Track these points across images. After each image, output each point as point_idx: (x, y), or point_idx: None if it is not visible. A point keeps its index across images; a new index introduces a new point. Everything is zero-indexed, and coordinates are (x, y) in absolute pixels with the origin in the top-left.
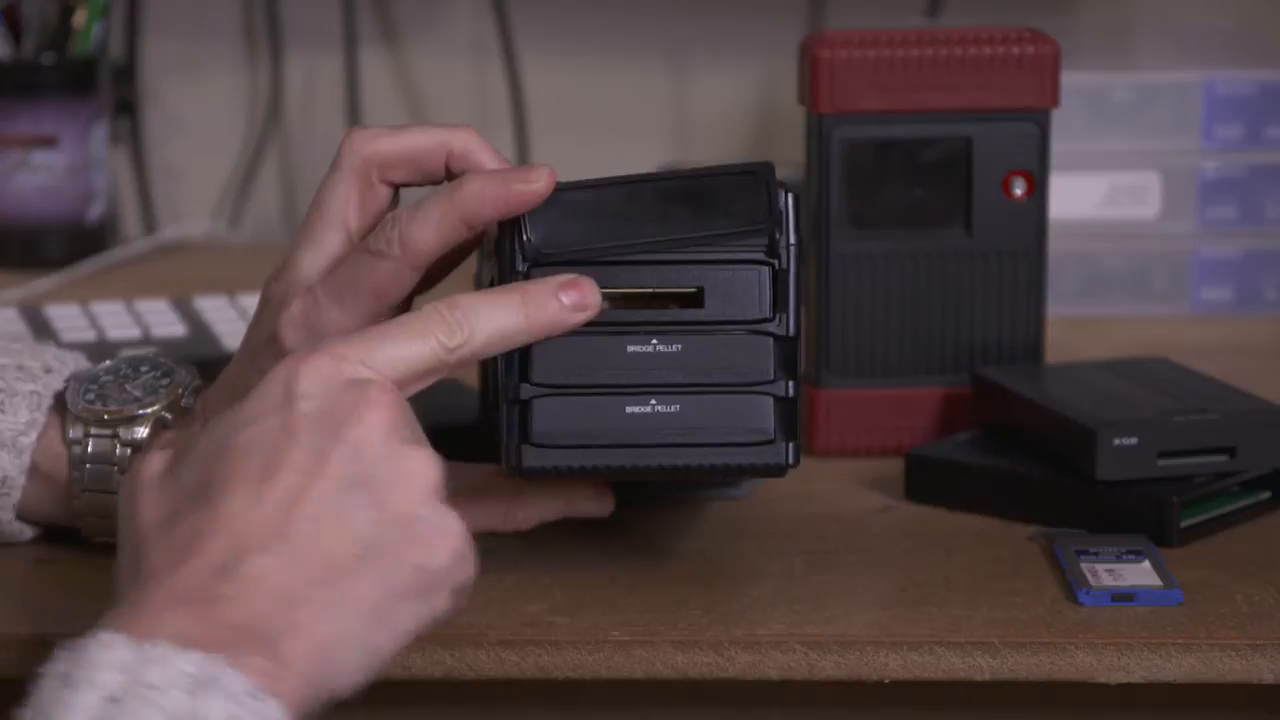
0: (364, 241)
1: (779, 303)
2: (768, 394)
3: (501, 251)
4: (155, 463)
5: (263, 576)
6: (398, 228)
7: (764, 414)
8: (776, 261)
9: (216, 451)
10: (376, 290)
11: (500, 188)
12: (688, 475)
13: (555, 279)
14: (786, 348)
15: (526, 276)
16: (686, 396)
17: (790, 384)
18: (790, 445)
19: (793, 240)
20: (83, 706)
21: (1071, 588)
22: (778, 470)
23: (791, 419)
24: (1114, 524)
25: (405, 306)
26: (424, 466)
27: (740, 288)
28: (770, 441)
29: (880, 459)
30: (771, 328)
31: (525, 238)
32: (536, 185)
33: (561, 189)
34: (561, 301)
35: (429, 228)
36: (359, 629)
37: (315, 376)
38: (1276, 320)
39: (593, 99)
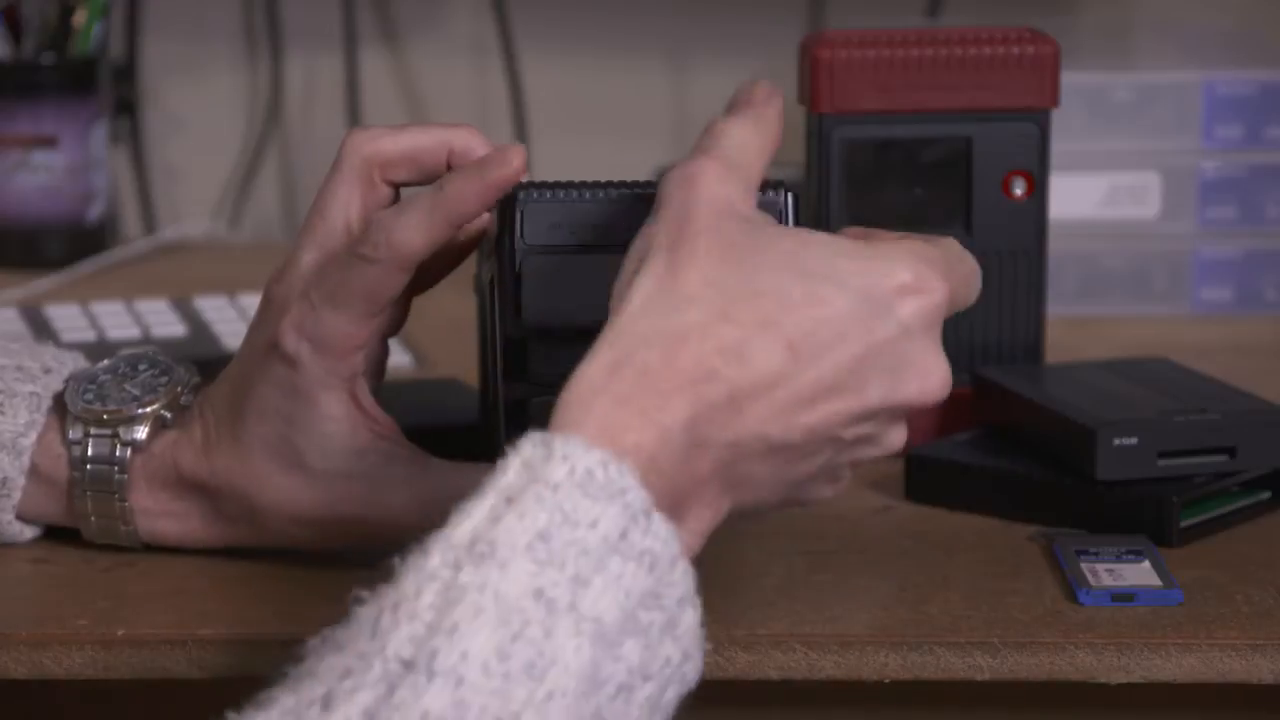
0: (352, 245)
1: None
2: None
3: (501, 247)
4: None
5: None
6: (383, 231)
7: None
8: None
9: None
10: (368, 294)
11: (478, 181)
12: None
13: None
14: None
15: (520, 275)
16: None
17: None
18: None
19: None
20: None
21: (1071, 588)
22: None
23: None
24: (1114, 524)
25: (403, 309)
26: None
27: None
28: None
29: (880, 459)
30: None
31: (519, 233)
32: (510, 168)
33: (552, 187)
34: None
35: (415, 230)
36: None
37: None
38: (1276, 320)
39: (593, 99)
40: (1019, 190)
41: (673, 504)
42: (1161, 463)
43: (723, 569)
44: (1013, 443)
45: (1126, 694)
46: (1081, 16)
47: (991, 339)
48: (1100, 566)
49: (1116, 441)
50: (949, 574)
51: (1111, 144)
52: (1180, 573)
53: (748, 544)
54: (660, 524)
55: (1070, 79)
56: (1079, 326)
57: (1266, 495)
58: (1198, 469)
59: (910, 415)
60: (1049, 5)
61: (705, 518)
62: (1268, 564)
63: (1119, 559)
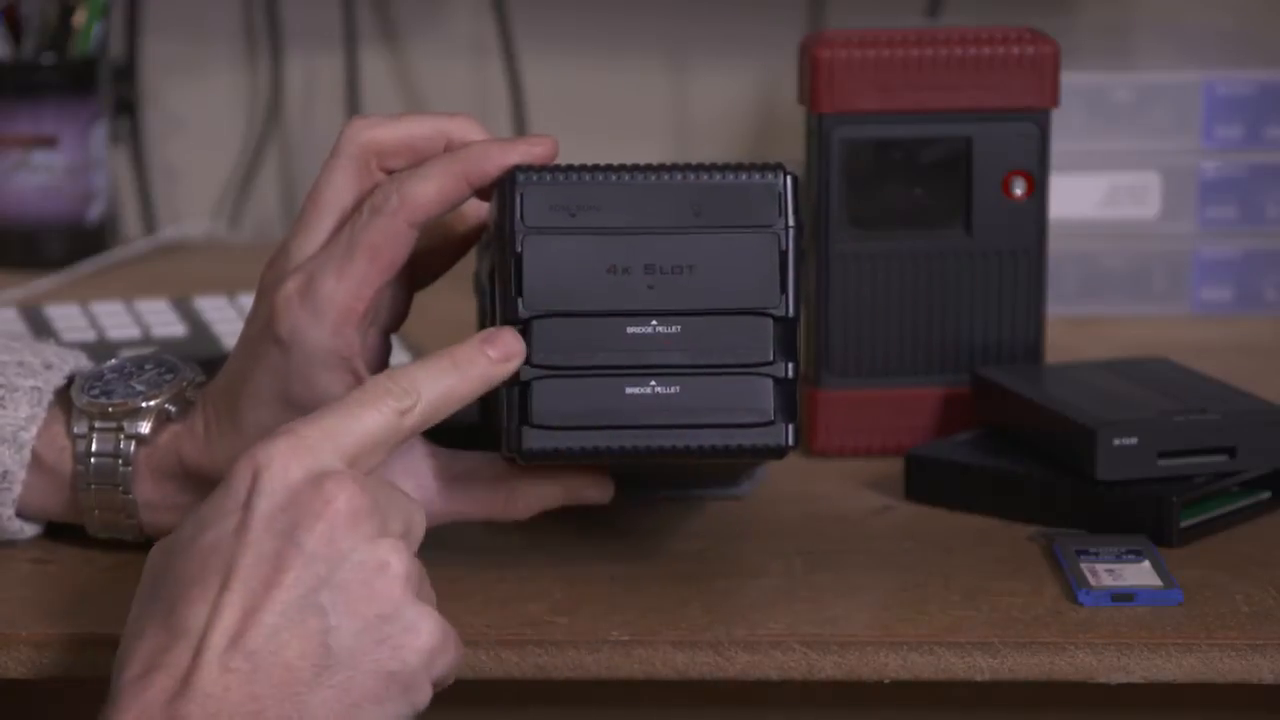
0: (361, 204)
1: (779, 284)
2: (767, 375)
3: (501, 229)
4: (153, 556)
5: (223, 694)
6: (396, 182)
7: (763, 395)
8: (776, 243)
9: (182, 552)
10: (372, 250)
11: (504, 146)
12: (688, 456)
13: (476, 337)
14: (786, 329)
15: (521, 254)
16: (686, 378)
17: (789, 365)
18: (790, 426)
19: (792, 222)
20: None
21: (1071, 588)
22: (777, 451)
23: (791, 401)
24: (1114, 524)
25: (404, 304)
26: (388, 558)
27: (740, 268)
28: (770, 423)
29: (880, 459)
30: (771, 309)
31: (519, 214)
32: (541, 145)
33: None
34: (488, 356)
35: (429, 181)
36: None
37: (274, 472)
38: (1276, 320)
39: (593, 99)
40: (1019, 190)
41: None
42: (1161, 463)
43: (723, 569)
44: (1013, 443)
45: (1126, 694)
46: (1081, 16)
47: (991, 339)
48: (1100, 566)
49: (1116, 441)
50: (949, 574)
51: (1111, 144)
52: (1180, 573)
53: (748, 544)
54: None
55: (1070, 79)
56: (1079, 326)
57: (1266, 495)
58: (1198, 469)
59: None
60: (1049, 5)
61: None
62: (1268, 564)
63: (1119, 559)
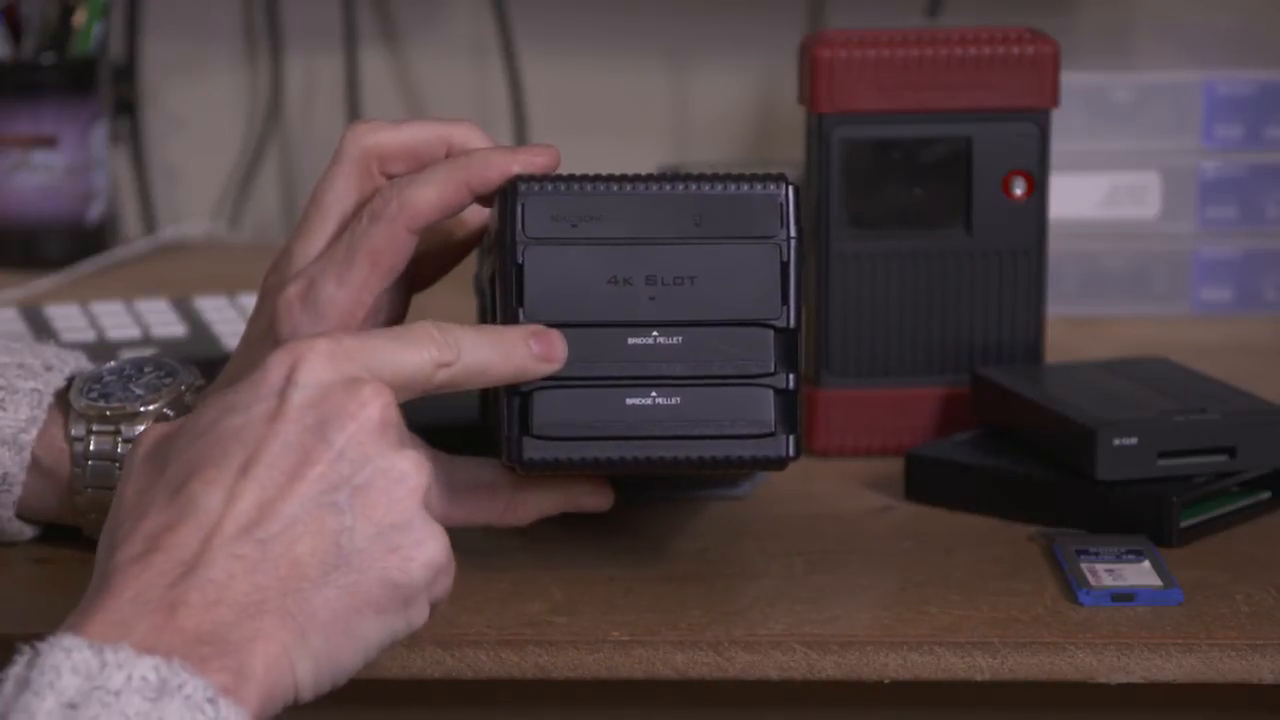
0: (361, 209)
1: (780, 295)
2: (768, 386)
3: (502, 239)
4: (149, 438)
5: (227, 581)
6: (396, 188)
7: (764, 406)
8: (778, 254)
9: (202, 434)
10: (373, 255)
11: (507, 155)
12: (688, 467)
13: (526, 327)
14: (787, 340)
15: (522, 264)
16: (687, 389)
17: (790, 376)
18: (790, 438)
19: (793, 233)
20: (43, 712)
21: (1071, 588)
22: (778, 463)
23: (792, 412)
24: (1114, 524)
25: (402, 305)
26: (410, 470)
27: (741, 279)
28: (770, 434)
29: (880, 459)
30: (772, 320)
31: (520, 225)
32: (544, 155)
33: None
34: (531, 349)
35: (430, 187)
36: (321, 640)
37: (313, 366)
38: (1276, 320)
39: (593, 99)
40: (1019, 190)
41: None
42: (1161, 463)
43: (723, 569)
44: (1013, 443)
45: (1126, 694)
46: (1081, 16)
47: (991, 339)
48: (1100, 566)
49: (1116, 441)
50: (949, 574)
51: (1111, 144)
52: (1180, 573)
53: (748, 544)
54: (227, 709)
55: (1070, 79)
56: (1079, 326)
57: (1266, 495)
58: (1198, 469)
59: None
60: (1049, 5)
61: (272, 651)
62: (1268, 564)
63: (1119, 559)
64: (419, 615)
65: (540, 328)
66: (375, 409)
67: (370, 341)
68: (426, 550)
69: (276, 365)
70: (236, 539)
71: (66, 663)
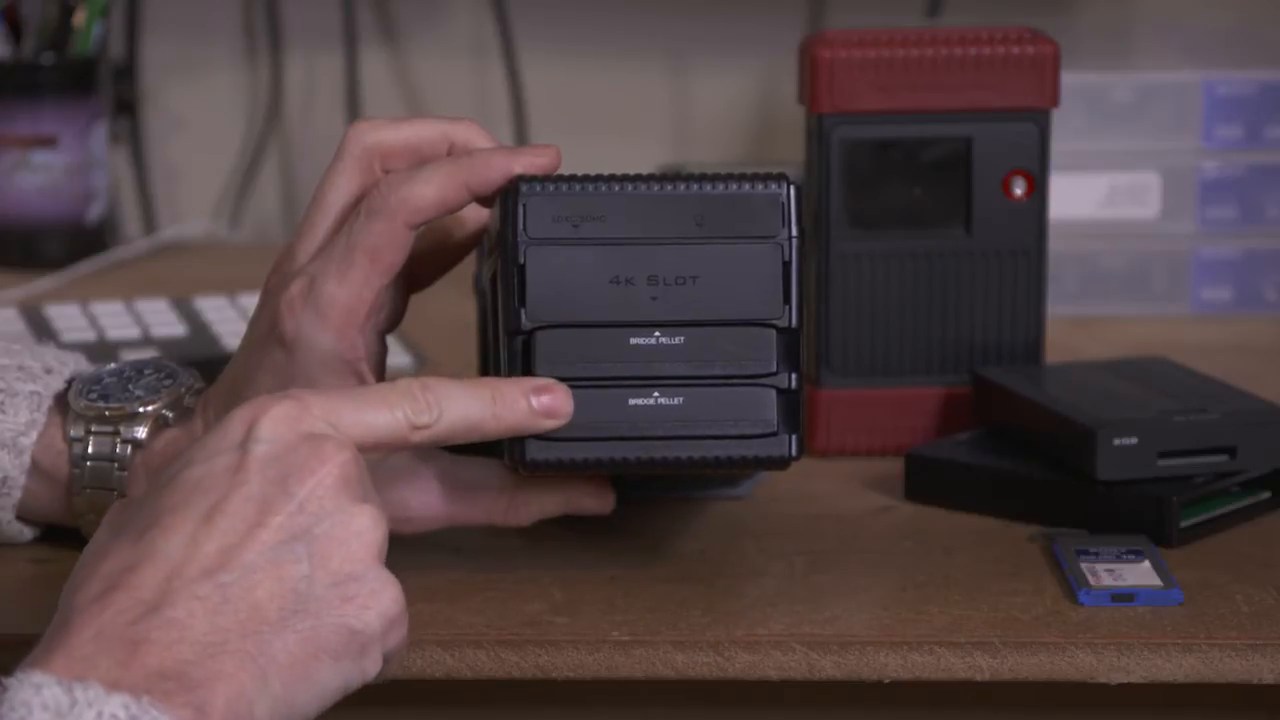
0: (359, 205)
1: (782, 295)
2: (770, 386)
3: (504, 240)
4: (112, 508)
5: (188, 620)
6: (393, 184)
7: (767, 406)
8: (780, 253)
9: (163, 487)
10: (371, 252)
11: (508, 155)
12: (691, 467)
13: (531, 381)
14: (789, 340)
15: (524, 265)
16: (689, 389)
17: (793, 376)
18: (793, 438)
19: (794, 233)
20: None
21: (1071, 588)
22: (781, 463)
23: (794, 411)
24: (1114, 524)
25: (401, 303)
26: (367, 525)
27: (743, 279)
28: (773, 434)
29: (880, 459)
30: (774, 319)
31: (522, 226)
32: (545, 156)
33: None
34: (532, 405)
35: (430, 185)
36: (280, 684)
37: (275, 422)
38: (1276, 320)
39: (593, 99)
40: (1019, 190)
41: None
42: (1161, 463)
43: (723, 569)
44: (1013, 443)
45: (1126, 694)
46: (1081, 16)
47: (991, 339)
48: (1100, 566)
49: (1116, 441)
50: (949, 574)
51: (1111, 144)
52: (1180, 573)
53: (748, 544)
54: None
55: (1070, 79)
56: (1079, 326)
57: (1266, 495)
58: (1198, 469)
59: None
60: (1049, 5)
61: (233, 692)
62: (1268, 564)
63: (1119, 559)
64: (373, 665)
65: (547, 382)
66: (336, 464)
67: (337, 400)
68: (381, 601)
69: (238, 420)
70: (198, 581)
71: (36, 699)
